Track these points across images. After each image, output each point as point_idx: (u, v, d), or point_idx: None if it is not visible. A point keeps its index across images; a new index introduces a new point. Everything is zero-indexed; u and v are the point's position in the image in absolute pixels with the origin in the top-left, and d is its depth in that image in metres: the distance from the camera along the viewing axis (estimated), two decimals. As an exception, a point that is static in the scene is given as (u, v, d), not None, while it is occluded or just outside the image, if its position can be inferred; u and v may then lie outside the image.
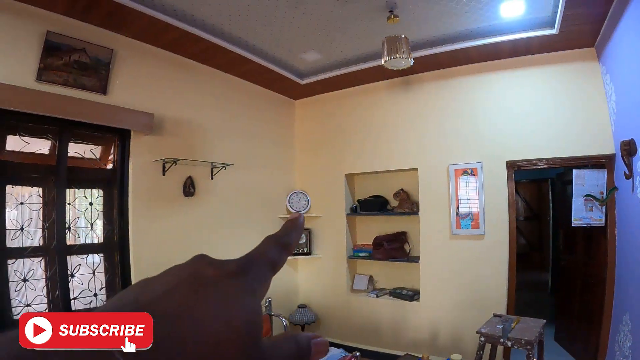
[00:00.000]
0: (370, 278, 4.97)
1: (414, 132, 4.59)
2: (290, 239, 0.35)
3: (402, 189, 4.72)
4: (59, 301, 3.11)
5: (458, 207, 4.27)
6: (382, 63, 3.37)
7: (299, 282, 5.28)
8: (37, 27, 2.96)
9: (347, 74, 4.58)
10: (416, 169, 4.55)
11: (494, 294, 4.03)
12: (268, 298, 3.83)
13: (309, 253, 5.12)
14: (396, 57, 3.26)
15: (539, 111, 3.95)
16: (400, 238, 4.70)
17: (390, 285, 4.87)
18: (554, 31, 3.49)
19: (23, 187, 3.08)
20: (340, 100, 5.14)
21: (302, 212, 5.07)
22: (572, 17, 3.24)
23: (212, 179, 4.16)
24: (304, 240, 5.09)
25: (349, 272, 4.97)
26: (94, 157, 3.44)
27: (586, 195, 3.75)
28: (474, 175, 4.21)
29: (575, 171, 3.83)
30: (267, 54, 4.19)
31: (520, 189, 8.51)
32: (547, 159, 3.96)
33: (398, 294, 4.58)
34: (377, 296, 4.67)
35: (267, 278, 0.32)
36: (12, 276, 2.93)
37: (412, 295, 4.48)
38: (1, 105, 2.74)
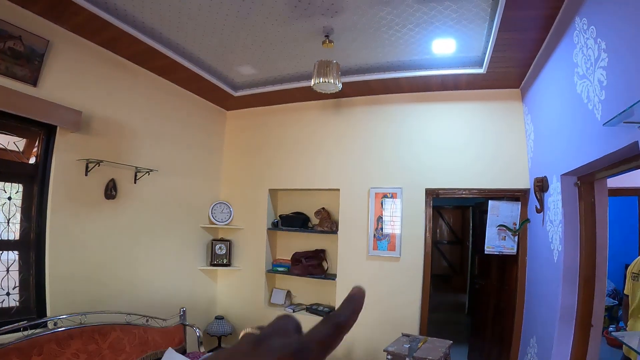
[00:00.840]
0: (288, 293, 5.26)
1: (340, 153, 4.98)
2: (349, 320, 0.34)
3: (323, 208, 5.07)
4: None
5: (377, 229, 4.66)
6: (311, 85, 3.65)
7: (218, 293, 5.48)
8: None
9: (280, 90, 4.91)
10: (338, 190, 4.93)
11: (408, 314, 4.43)
12: (182, 307, 3.99)
13: (228, 264, 5.33)
14: (325, 81, 3.53)
15: (464, 143, 4.44)
16: (319, 255, 5.04)
17: (307, 301, 5.19)
18: (482, 70, 3.94)
19: None
20: (271, 116, 5.47)
21: (224, 222, 5.36)
22: (500, 59, 3.69)
23: (135, 183, 4.28)
24: (223, 251, 5.31)
25: (267, 285, 5.24)
26: (17, 150, 3.45)
27: (500, 225, 4.27)
28: (394, 198, 4.63)
29: (490, 202, 4.37)
30: (204, 63, 4.42)
31: (445, 214, 9.19)
32: (465, 189, 4.46)
33: (314, 309, 4.87)
34: (294, 311, 4.96)
35: None
36: None
37: (328, 311, 4.75)
38: None
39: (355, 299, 0.36)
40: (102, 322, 3.31)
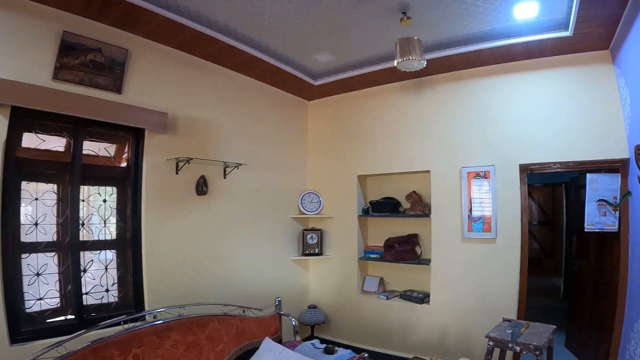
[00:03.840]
0: (381, 280, 5.14)
1: (427, 134, 4.74)
2: None
3: (414, 191, 4.88)
4: (71, 295, 3.30)
5: (470, 210, 4.38)
6: (395, 65, 3.47)
7: (310, 282, 5.50)
8: (53, 27, 3.17)
9: (360, 75, 4.76)
10: (428, 172, 4.69)
11: (505, 299, 4.14)
12: (278, 297, 3.97)
13: (320, 254, 5.33)
14: (409, 59, 3.34)
15: (553, 114, 4.06)
16: (411, 240, 4.86)
17: (400, 288, 5.05)
18: (567, 33, 3.58)
19: (38, 183, 3.26)
20: (353, 102, 5.35)
21: (314, 212, 5.36)
22: (586, 19, 3.32)
23: (224, 178, 4.40)
24: (315, 240, 5.31)
25: (359, 273, 5.15)
26: (109, 155, 3.67)
27: (599, 200, 3.83)
28: (486, 178, 4.33)
29: (589, 175, 3.93)
30: (281, 54, 4.39)
31: (534, 193, 8.54)
32: (560, 163, 4.05)
33: (408, 296, 4.73)
34: (387, 298, 4.83)
35: None
36: (25, 270, 3.09)
37: (422, 297, 4.63)
38: (18, 103, 2.95)
39: None
40: (200, 313, 3.38)
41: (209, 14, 3.50)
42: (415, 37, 3.35)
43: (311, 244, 5.27)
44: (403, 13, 3.41)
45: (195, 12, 3.46)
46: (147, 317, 3.19)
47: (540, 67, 4.15)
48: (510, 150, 4.21)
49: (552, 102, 4.06)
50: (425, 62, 3.45)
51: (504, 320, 3.60)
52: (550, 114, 4.05)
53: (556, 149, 4.00)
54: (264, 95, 4.98)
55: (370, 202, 5.16)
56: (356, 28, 3.77)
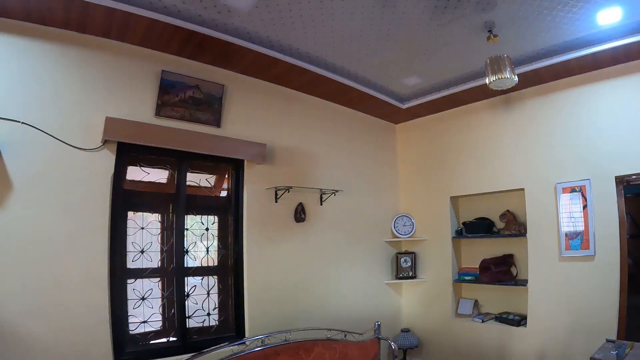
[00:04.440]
0: (476, 302, 5.57)
1: (518, 150, 5.18)
2: None
3: (508, 210, 5.30)
4: (174, 319, 4.01)
5: (567, 227, 4.69)
6: (487, 84, 3.92)
7: (403, 305, 6.11)
8: (153, 67, 4.12)
9: (447, 95, 5.42)
10: (522, 189, 5.10)
11: (604, 318, 4.36)
12: (377, 322, 4.50)
13: (414, 277, 5.93)
14: (500, 78, 3.78)
15: None
16: (507, 261, 5.26)
17: (495, 310, 5.42)
18: None
19: (144, 213, 4.00)
20: (441, 122, 6.01)
21: (407, 235, 6.02)
22: None
23: (321, 205, 5.28)
24: (409, 264, 5.92)
25: (453, 296, 5.64)
26: (210, 186, 4.56)
27: None
28: (582, 193, 4.63)
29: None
30: (369, 80, 5.19)
31: (626, 205, 8.48)
32: None
33: (504, 319, 5.08)
34: (482, 321, 5.22)
35: None
36: (130, 294, 3.76)
37: (519, 320, 4.95)
38: (125, 139, 3.79)
39: None
40: (304, 338, 3.97)
41: (299, 46, 4.30)
42: (505, 55, 3.74)
43: (405, 267, 5.90)
44: (489, 31, 3.87)
45: (287, 45, 4.28)
46: (253, 341, 3.83)
47: (629, 72, 4.40)
48: (605, 161, 4.45)
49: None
50: (517, 79, 3.81)
51: (608, 341, 3.79)
52: (643, 120, 4.35)
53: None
54: (354, 121, 5.84)
55: (464, 223, 5.68)
56: (442, 49, 4.32)
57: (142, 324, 3.81)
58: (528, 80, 4.86)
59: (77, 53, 3.74)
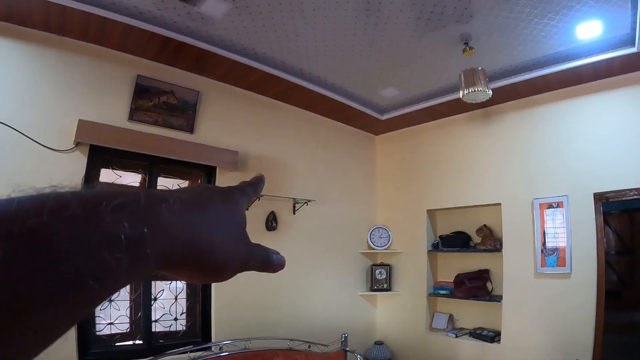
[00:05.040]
0: (450, 317, 5.56)
1: (496, 165, 5.20)
2: (257, 189, 0.55)
3: (484, 225, 5.31)
4: (140, 322, 4.02)
5: (544, 244, 4.69)
6: (460, 97, 3.97)
7: (377, 318, 6.08)
8: (128, 71, 4.15)
9: (426, 108, 5.44)
10: (499, 204, 5.10)
11: (580, 338, 4.33)
12: (344, 334, 4.54)
13: (388, 289, 5.91)
14: (474, 91, 3.81)
15: (627, 136, 4.28)
16: (482, 276, 5.26)
17: (470, 325, 5.41)
18: (634, 49, 3.83)
19: None
20: (420, 135, 6.02)
21: (383, 247, 6.00)
22: None
23: (294, 214, 5.23)
24: (383, 276, 5.90)
25: (428, 309, 5.62)
26: None
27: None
28: (560, 208, 4.63)
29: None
30: (347, 91, 5.21)
31: (611, 221, 8.60)
32: (638, 190, 4.24)
33: (478, 334, 5.07)
34: (457, 336, 5.21)
35: (245, 204, 0.48)
36: None
37: (493, 336, 4.93)
38: (97, 142, 3.83)
39: (256, 177, 0.57)
40: (266, 347, 3.99)
41: (275, 55, 4.33)
42: (480, 68, 3.79)
43: (380, 279, 5.88)
44: (465, 43, 3.88)
45: (262, 54, 4.31)
46: (213, 348, 3.90)
47: (609, 87, 4.42)
48: (583, 178, 4.45)
49: (625, 124, 4.27)
50: (491, 93, 3.84)
51: (578, 362, 3.88)
52: (625, 137, 4.25)
53: (633, 174, 4.17)
54: (332, 131, 5.83)
55: (440, 237, 5.67)
56: (420, 61, 4.36)
57: (109, 325, 3.82)
58: (506, 94, 4.89)
59: (55, 55, 3.76)
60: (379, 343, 5.66)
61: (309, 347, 4.20)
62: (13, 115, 3.46)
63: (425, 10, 3.52)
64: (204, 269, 0.38)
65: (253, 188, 0.53)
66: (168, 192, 0.37)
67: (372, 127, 6.17)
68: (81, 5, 3.44)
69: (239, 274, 0.42)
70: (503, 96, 4.91)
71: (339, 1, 3.44)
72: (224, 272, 0.41)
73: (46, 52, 3.71)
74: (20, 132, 3.45)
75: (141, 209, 0.32)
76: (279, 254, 0.50)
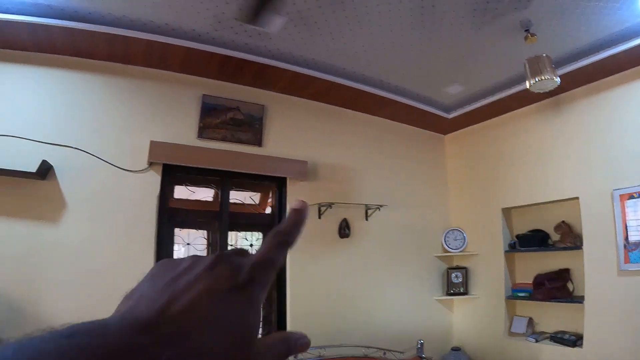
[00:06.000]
0: (530, 320, 5.63)
1: (571, 156, 5.26)
2: (295, 237, 0.48)
3: (563, 221, 5.39)
4: None
5: (626, 238, 4.69)
6: (527, 87, 4.15)
7: (454, 323, 6.34)
8: (194, 92, 4.85)
9: (493, 102, 5.66)
10: (577, 198, 5.16)
11: None
12: (420, 340, 4.89)
13: (465, 293, 6.15)
14: (541, 79, 3.97)
15: None
16: (562, 276, 5.33)
17: (550, 329, 5.45)
18: None
19: (190, 230, 4.75)
20: (489, 131, 6.23)
21: (458, 249, 6.29)
22: None
23: (366, 220, 5.72)
24: (460, 279, 6.17)
25: (507, 313, 5.76)
26: (254, 203, 5.10)
27: None
28: None
29: None
30: (411, 92, 5.58)
31: None
32: None
33: (559, 338, 5.12)
34: (537, 340, 5.29)
35: (271, 281, 0.44)
36: None
37: (575, 340, 4.97)
38: (170, 161, 4.54)
39: (296, 210, 0.49)
40: (340, 354, 4.41)
41: (335, 63, 4.81)
42: (544, 54, 3.91)
43: (456, 283, 6.13)
44: (526, 30, 4.01)
45: (322, 63, 4.80)
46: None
47: None
48: None
49: None
50: (559, 80, 3.95)
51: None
52: None
53: None
54: (399, 134, 6.25)
55: (517, 236, 5.79)
56: (481, 54, 4.59)
57: None
58: (575, 80, 4.89)
59: (122, 82, 4.53)
60: (456, 349, 5.84)
61: (384, 354, 4.54)
62: (88, 141, 4.28)
63: (481, 1, 3.76)
64: None
65: (287, 246, 0.48)
66: (162, 343, 0.34)
67: (440, 127, 6.47)
68: (142, 35, 4.17)
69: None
70: (572, 82, 4.92)
71: (392, 2, 3.79)
72: None
73: (113, 81, 4.51)
74: (96, 156, 4.24)
75: None
76: (304, 337, 0.46)
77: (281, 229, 0.49)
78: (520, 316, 5.76)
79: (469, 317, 6.23)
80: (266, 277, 0.44)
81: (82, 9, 3.95)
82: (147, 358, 0.32)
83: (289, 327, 4.89)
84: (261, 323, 3.85)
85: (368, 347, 4.66)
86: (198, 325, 0.37)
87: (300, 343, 0.46)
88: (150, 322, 0.35)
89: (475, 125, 6.45)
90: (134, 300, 0.40)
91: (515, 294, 5.75)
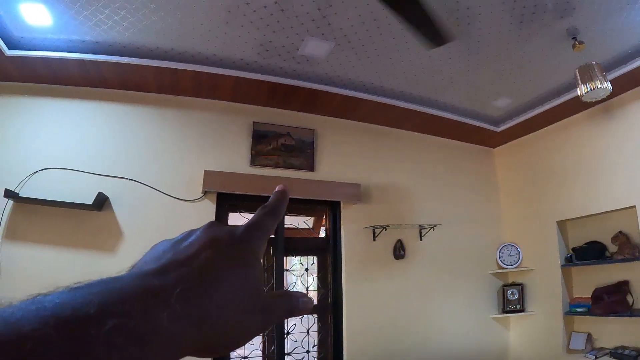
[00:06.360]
0: (589, 336, 5.84)
1: (625, 163, 5.42)
2: (280, 210, 0.59)
3: (620, 232, 5.59)
4: (274, 355, 4.97)
5: None
6: (579, 96, 4.38)
7: (511, 341, 6.62)
8: (244, 119, 5.38)
9: (542, 112, 5.99)
10: (634, 207, 5.34)
11: None
12: None
13: (522, 310, 6.42)
14: (593, 88, 4.17)
15: None
16: (621, 289, 5.53)
17: (610, 344, 5.64)
18: None
19: None
20: (539, 142, 6.56)
21: (513, 265, 6.59)
22: None
23: (420, 240, 6.16)
24: (516, 296, 6.46)
25: (565, 329, 5.98)
26: (308, 227, 5.54)
27: None
28: None
29: None
30: (459, 108, 6.02)
31: None
32: None
33: (619, 354, 5.29)
34: (596, 357, 5.48)
35: (264, 243, 0.52)
36: None
37: (636, 355, 5.14)
38: (224, 190, 5.03)
39: (278, 192, 0.62)
40: None
41: (383, 84, 5.27)
42: (594, 62, 4.12)
43: (512, 300, 6.43)
44: (573, 38, 4.27)
45: (370, 85, 5.27)
46: None
47: None
48: None
49: None
50: (611, 87, 4.12)
51: None
52: None
53: None
54: (447, 151, 6.69)
55: (573, 249, 6.03)
56: (528, 65, 4.87)
57: (243, 359, 4.84)
58: (624, 84, 5.07)
59: (172, 113, 5.11)
60: None
61: None
62: (142, 172, 4.86)
63: (527, 12, 3.98)
64: (215, 350, 0.42)
65: (273, 215, 0.57)
66: (173, 280, 0.39)
67: (489, 141, 6.87)
68: (190, 66, 4.70)
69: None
70: (622, 86, 5.06)
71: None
72: (239, 345, 0.45)
73: (163, 112, 5.10)
74: (151, 187, 4.73)
75: (138, 327, 0.33)
76: (305, 296, 0.52)
77: (268, 203, 0.59)
78: (579, 332, 5.93)
79: (526, 335, 6.46)
80: (260, 237, 0.51)
81: (130, 44, 4.47)
82: (160, 295, 0.37)
83: (345, 349, 5.33)
84: (317, 346, 4.87)
85: (427, 369, 4.94)
86: (206, 266, 0.42)
87: (301, 302, 0.51)
88: (158, 269, 0.40)
89: (524, 137, 6.78)
90: (139, 265, 0.46)
91: (573, 309, 5.93)
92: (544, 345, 6.10)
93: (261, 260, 0.51)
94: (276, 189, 0.64)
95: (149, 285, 0.37)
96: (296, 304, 0.51)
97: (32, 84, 4.85)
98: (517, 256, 6.62)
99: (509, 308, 6.45)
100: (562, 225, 6.26)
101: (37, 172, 4.62)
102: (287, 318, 0.52)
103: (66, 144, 4.81)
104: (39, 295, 0.33)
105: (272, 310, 0.48)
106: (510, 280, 6.69)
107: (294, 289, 5.33)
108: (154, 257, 0.46)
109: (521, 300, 6.44)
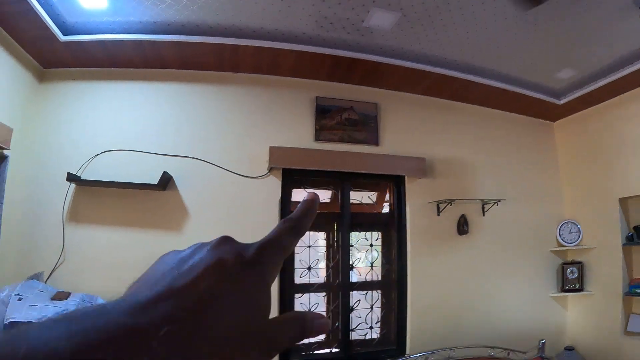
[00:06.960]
0: None
1: None
2: (305, 225, 0.57)
3: None
4: (338, 331, 5.57)
5: None
6: None
7: (568, 321, 7.11)
8: (307, 94, 5.92)
9: (606, 84, 6.26)
10: None
11: None
12: (542, 340, 5.77)
13: (580, 289, 6.89)
14: None
15: None
16: None
17: None
18: None
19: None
20: (602, 115, 6.91)
21: (573, 243, 7.14)
22: None
23: (483, 215, 6.75)
24: (575, 275, 7.01)
25: (623, 311, 6.27)
26: (372, 202, 6.21)
27: None
28: None
29: None
30: (520, 79, 6.51)
31: None
32: None
33: None
34: None
35: (279, 264, 0.51)
36: (297, 307, 5.26)
37: None
38: (290, 166, 5.56)
39: (307, 201, 0.60)
40: (466, 355, 5.35)
41: (447, 56, 5.71)
42: None
43: (571, 278, 6.99)
44: None
45: (433, 57, 5.73)
46: (417, 358, 5.35)
47: None
48: None
49: None
50: None
51: None
52: None
53: None
54: (507, 124, 7.25)
55: (634, 228, 6.32)
56: (593, 35, 5.09)
57: None
58: None
59: (233, 90, 5.71)
60: (569, 349, 6.52)
61: (508, 354, 5.49)
62: (206, 150, 5.47)
63: None
64: None
65: (294, 233, 0.57)
66: (160, 318, 0.39)
67: (550, 114, 7.34)
68: (252, 42, 5.14)
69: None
70: None
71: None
72: None
73: (223, 89, 5.66)
74: (216, 165, 5.37)
75: None
76: (321, 317, 0.52)
77: (292, 217, 0.59)
78: (638, 314, 6.21)
79: (583, 315, 6.88)
80: (274, 259, 0.52)
81: (189, 23, 4.90)
82: (143, 336, 0.37)
83: (409, 325, 5.93)
84: (380, 322, 5.90)
85: (493, 348, 5.58)
86: (203, 299, 0.43)
87: (316, 324, 0.51)
88: (149, 301, 0.40)
89: (587, 110, 7.12)
90: (136, 287, 0.47)
91: (633, 290, 6.18)
92: (602, 327, 6.47)
93: (272, 285, 0.52)
94: (304, 197, 0.64)
95: (133, 325, 0.38)
96: (308, 327, 0.51)
97: (88, 69, 5.39)
98: (578, 234, 7.01)
99: (568, 287, 6.86)
100: (624, 202, 6.53)
101: (98, 154, 5.19)
102: (295, 343, 0.53)
103: (127, 126, 5.39)
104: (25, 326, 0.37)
105: (276, 340, 0.48)
106: (569, 259, 7.11)
107: (359, 264, 5.99)
108: (152, 279, 0.46)
109: (580, 279, 6.85)
